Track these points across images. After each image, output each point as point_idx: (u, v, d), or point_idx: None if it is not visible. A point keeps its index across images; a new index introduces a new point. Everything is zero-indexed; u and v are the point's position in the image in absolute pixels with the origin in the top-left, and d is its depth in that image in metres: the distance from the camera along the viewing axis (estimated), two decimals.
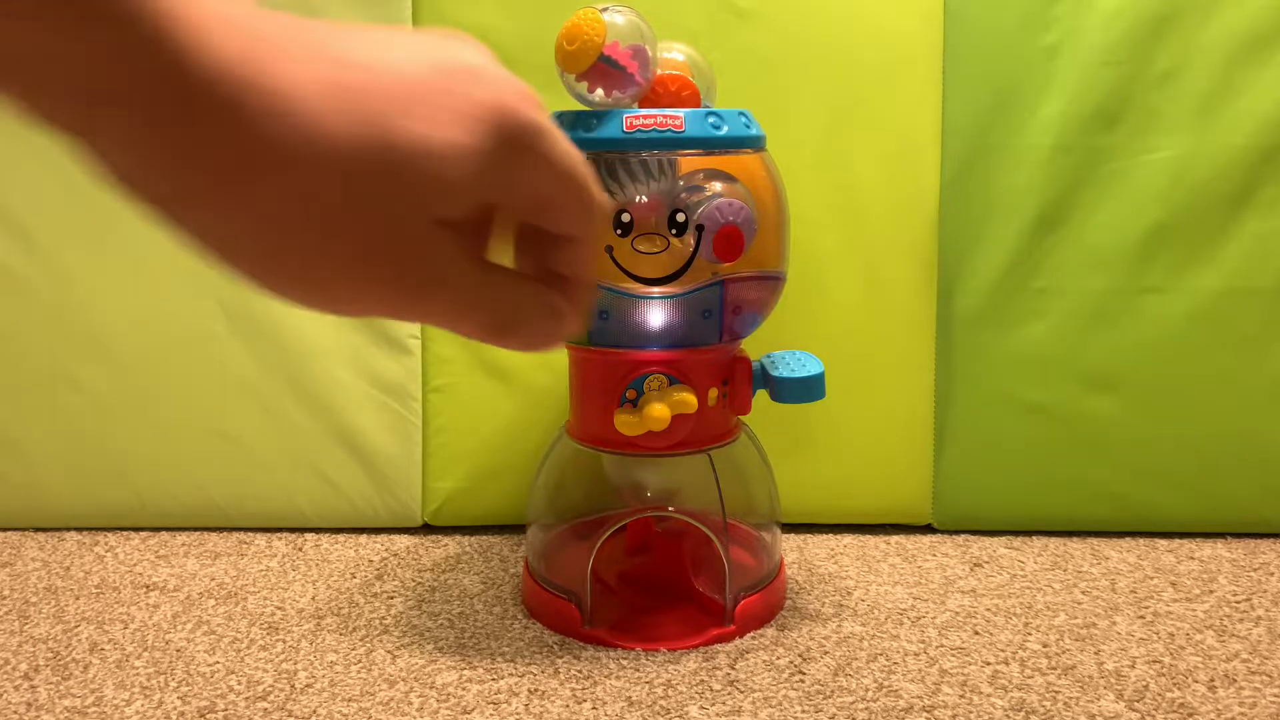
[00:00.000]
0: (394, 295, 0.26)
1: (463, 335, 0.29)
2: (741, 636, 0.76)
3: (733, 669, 0.71)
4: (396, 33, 0.26)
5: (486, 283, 0.27)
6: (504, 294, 0.28)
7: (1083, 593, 0.83)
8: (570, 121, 0.71)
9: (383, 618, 0.79)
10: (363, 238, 0.25)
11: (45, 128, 0.22)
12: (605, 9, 0.69)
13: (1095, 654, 0.72)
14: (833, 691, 0.68)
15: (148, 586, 0.85)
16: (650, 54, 0.70)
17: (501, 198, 0.26)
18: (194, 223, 0.25)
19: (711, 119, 0.70)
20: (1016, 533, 0.95)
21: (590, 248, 0.29)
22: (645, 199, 0.69)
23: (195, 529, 0.98)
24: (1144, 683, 0.69)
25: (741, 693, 0.68)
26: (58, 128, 0.23)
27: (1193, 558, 0.90)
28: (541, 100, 0.26)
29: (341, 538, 0.96)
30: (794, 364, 0.76)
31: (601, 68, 0.69)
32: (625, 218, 0.69)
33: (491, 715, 0.65)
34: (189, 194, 0.24)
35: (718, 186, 0.69)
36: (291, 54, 0.23)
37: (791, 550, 0.92)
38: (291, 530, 0.97)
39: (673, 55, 0.76)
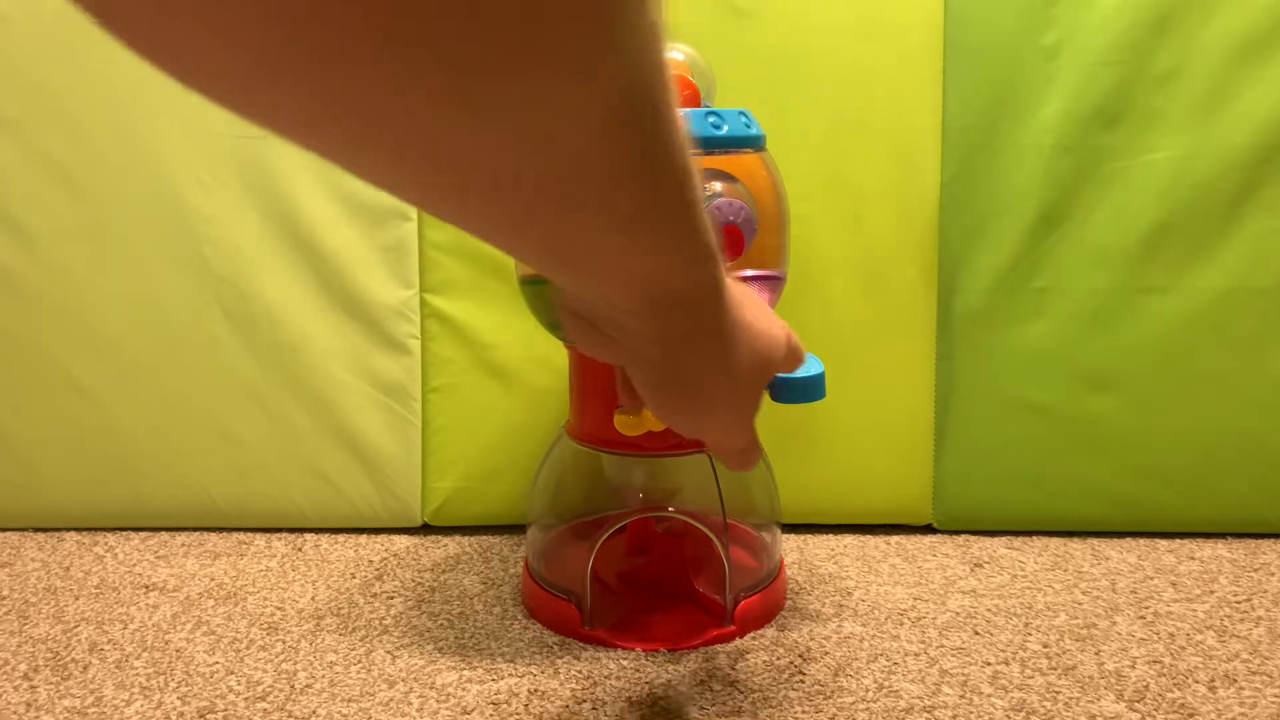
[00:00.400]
0: (736, 422, 0.50)
1: (728, 454, 0.53)
2: (741, 637, 0.76)
3: (733, 669, 0.71)
4: (748, 293, 0.47)
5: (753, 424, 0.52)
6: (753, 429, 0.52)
7: (1083, 593, 0.83)
8: None
9: (382, 618, 0.79)
10: (744, 397, 0.49)
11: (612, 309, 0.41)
12: None
13: (1096, 654, 0.72)
14: (833, 692, 0.68)
15: (147, 587, 0.85)
16: None
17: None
18: (642, 359, 0.44)
19: (711, 118, 0.70)
20: (1017, 533, 0.95)
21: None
22: None
23: (195, 529, 0.98)
24: (1144, 683, 0.69)
25: (741, 693, 0.68)
26: (611, 301, 0.40)
27: (1193, 558, 0.90)
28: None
29: (341, 538, 0.96)
30: None
31: None
32: None
33: (491, 715, 0.65)
34: (665, 353, 0.43)
35: (718, 186, 0.69)
36: (739, 292, 0.44)
37: (792, 550, 0.92)
38: (291, 530, 0.97)
39: (672, 55, 0.76)
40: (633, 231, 0.33)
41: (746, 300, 0.45)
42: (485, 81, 0.22)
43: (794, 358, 0.51)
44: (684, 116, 0.33)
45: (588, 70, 0.25)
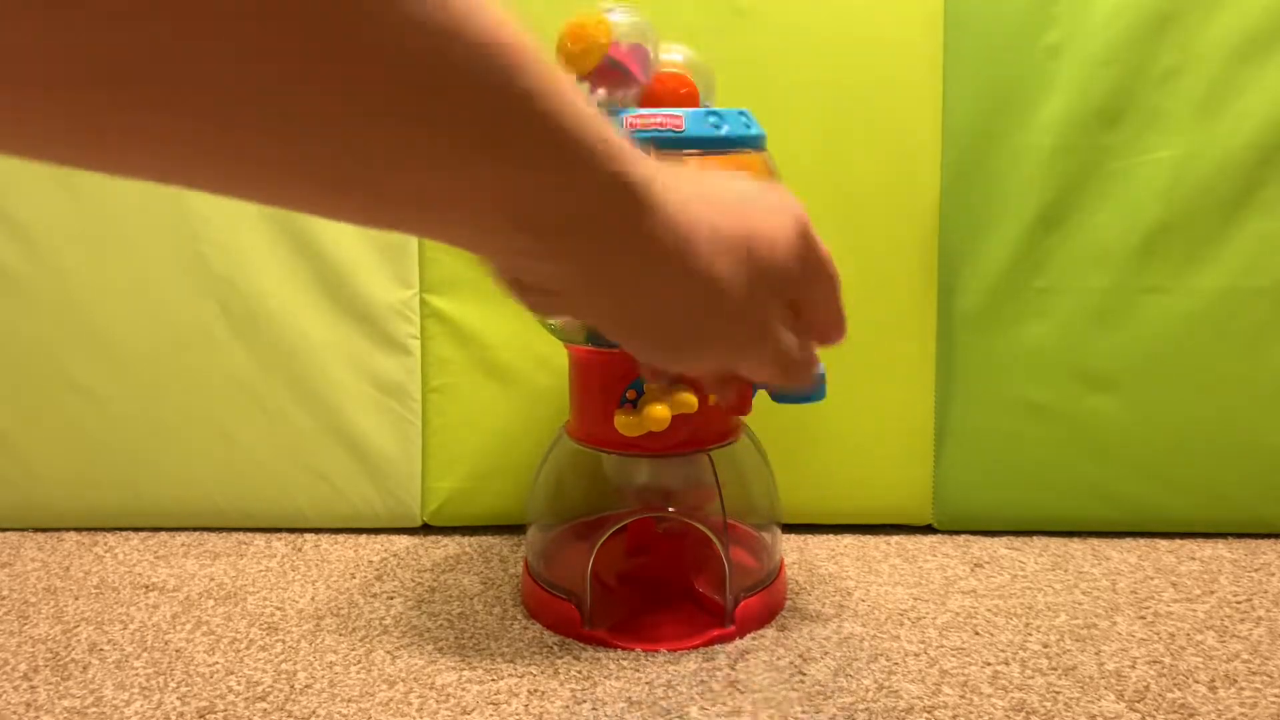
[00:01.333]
0: (744, 350, 0.39)
1: (758, 379, 0.44)
2: (742, 637, 0.76)
3: (733, 670, 0.71)
4: (723, 174, 0.40)
5: (787, 342, 0.40)
6: (793, 349, 0.41)
7: (1083, 593, 0.83)
8: None
9: (382, 618, 0.79)
10: (742, 316, 0.37)
11: (485, 248, 0.34)
12: (608, 9, 0.69)
13: (1096, 654, 0.72)
14: (833, 692, 0.68)
15: (147, 587, 0.85)
16: (651, 54, 0.71)
17: (799, 280, 0.39)
18: (596, 310, 0.36)
19: (711, 118, 0.70)
20: (1017, 533, 0.95)
21: (838, 311, 0.43)
22: None
23: (194, 529, 0.98)
24: (1144, 683, 0.68)
25: (742, 693, 0.68)
26: (500, 250, 0.33)
27: (1193, 558, 0.89)
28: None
29: (341, 538, 0.96)
30: None
31: (605, 68, 0.69)
32: None
33: (491, 715, 0.65)
34: (610, 293, 0.35)
35: None
36: (692, 193, 0.35)
37: (792, 551, 0.92)
38: (291, 530, 0.97)
39: (671, 56, 0.76)
40: (456, 151, 0.27)
41: (709, 199, 0.36)
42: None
43: (810, 250, 0.39)
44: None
45: None
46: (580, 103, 0.29)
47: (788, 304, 0.40)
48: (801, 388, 0.44)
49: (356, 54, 0.23)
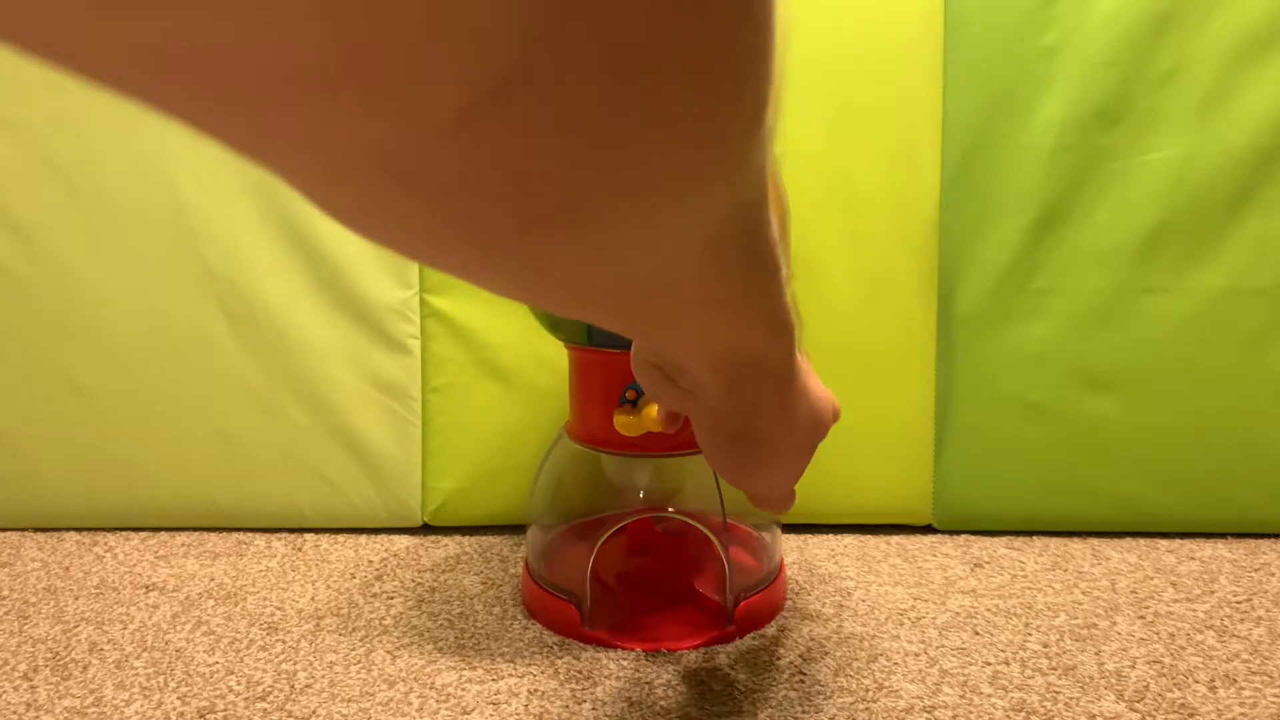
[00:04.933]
0: (790, 480, 0.53)
1: (765, 503, 0.57)
2: (742, 637, 0.76)
3: (733, 670, 0.71)
4: (820, 385, 0.50)
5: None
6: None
7: (1083, 593, 0.83)
8: None
9: (382, 618, 0.79)
10: (798, 457, 0.51)
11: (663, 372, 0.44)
12: None
13: (1096, 654, 0.72)
14: (833, 692, 0.68)
15: (147, 587, 0.85)
16: None
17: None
18: (713, 420, 0.46)
19: None
20: (1017, 533, 0.95)
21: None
22: None
23: (194, 529, 0.98)
24: (1144, 683, 0.69)
25: (741, 693, 0.68)
26: (695, 368, 0.41)
27: (1193, 558, 0.89)
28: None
29: (341, 538, 0.96)
30: None
31: None
32: None
33: (491, 716, 0.65)
34: (737, 415, 0.45)
35: None
36: (808, 373, 0.47)
37: (792, 550, 0.92)
38: (291, 530, 0.97)
39: None
40: (717, 315, 0.34)
41: (806, 367, 0.47)
42: (601, 225, 0.23)
43: (836, 418, 0.53)
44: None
45: (701, 204, 0.24)
46: (788, 286, 0.36)
47: None
48: (779, 510, 0.58)
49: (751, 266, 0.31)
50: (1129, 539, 0.93)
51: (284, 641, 0.75)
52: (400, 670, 0.71)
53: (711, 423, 0.46)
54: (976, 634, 0.76)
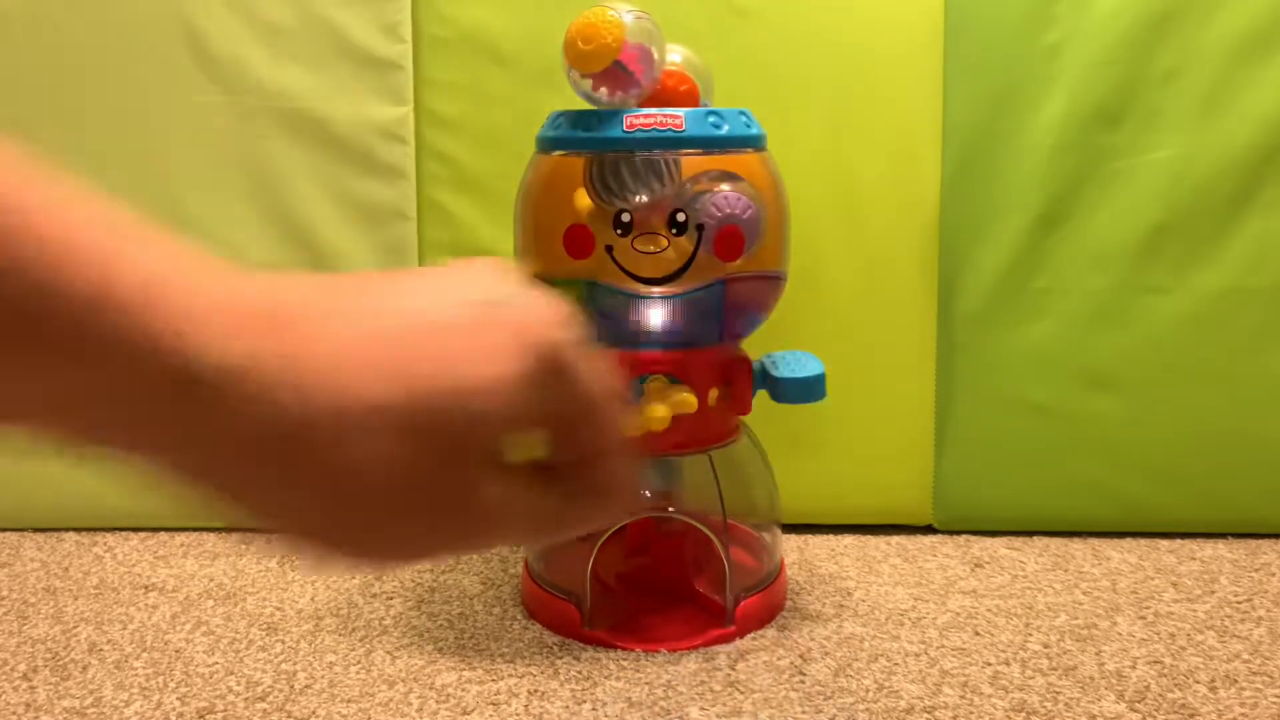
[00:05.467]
0: (458, 544, 0.27)
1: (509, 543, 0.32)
2: (742, 637, 0.76)
3: (733, 670, 0.71)
4: (420, 276, 0.26)
5: (532, 508, 0.27)
6: (549, 509, 0.28)
7: (1084, 593, 0.82)
8: (571, 121, 0.71)
9: (382, 618, 0.79)
10: (421, 493, 0.25)
11: (114, 455, 0.25)
12: (615, 9, 0.69)
13: (1096, 654, 0.72)
14: (833, 692, 0.68)
15: (146, 587, 0.85)
16: (656, 56, 0.70)
17: (540, 419, 0.26)
18: (260, 504, 0.26)
19: (712, 118, 0.70)
20: (1017, 533, 0.95)
21: (620, 454, 0.29)
22: (646, 199, 0.68)
23: (194, 529, 0.98)
24: (1145, 683, 0.68)
25: (742, 693, 0.68)
26: (118, 451, 0.25)
27: (1194, 558, 0.89)
28: (568, 317, 0.26)
29: None
30: (794, 364, 0.76)
31: (613, 70, 0.68)
32: (625, 217, 0.68)
33: (491, 716, 0.65)
34: (247, 479, 0.25)
35: (725, 186, 0.69)
36: (313, 330, 0.23)
37: (792, 551, 0.92)
38: None
39: (671, 56, 0.76)
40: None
41: (373, 341, 0.24)
42: None
43: (559, 385, 0.26)
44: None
45: None
46: (127, 266, 0.21)
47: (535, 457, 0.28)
48: (598, 526, 0.33)
49: None
50: (1129, 539, 0.93)
51: (283, 642, 0.75)
52: (400, 670, 0.71)
53: (254, 508, 0.26)
54: (977, 634, 0.76)
